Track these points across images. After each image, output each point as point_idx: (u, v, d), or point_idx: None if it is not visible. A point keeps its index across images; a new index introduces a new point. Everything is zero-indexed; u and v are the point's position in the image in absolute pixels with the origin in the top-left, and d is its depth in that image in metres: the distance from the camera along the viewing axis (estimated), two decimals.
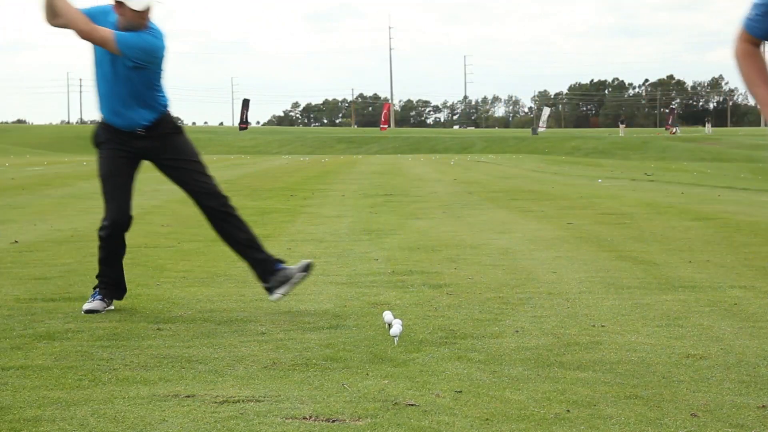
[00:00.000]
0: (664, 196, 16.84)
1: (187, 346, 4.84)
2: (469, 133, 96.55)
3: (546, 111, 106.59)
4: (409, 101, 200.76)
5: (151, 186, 20.51)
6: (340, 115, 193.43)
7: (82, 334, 5.09)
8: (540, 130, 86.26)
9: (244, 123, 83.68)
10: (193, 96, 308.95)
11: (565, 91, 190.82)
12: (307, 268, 5.98)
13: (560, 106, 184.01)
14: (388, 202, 15.58)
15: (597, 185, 21.13)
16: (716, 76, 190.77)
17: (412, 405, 3.75)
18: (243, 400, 3.83)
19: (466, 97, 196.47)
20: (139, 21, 5.69)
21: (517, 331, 5.21)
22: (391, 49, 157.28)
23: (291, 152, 66.03)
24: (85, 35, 5.62)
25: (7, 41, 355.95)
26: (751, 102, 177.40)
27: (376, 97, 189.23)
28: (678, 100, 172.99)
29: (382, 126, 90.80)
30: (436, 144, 69.48)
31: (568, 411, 3.70)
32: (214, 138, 78.59)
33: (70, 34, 5.59)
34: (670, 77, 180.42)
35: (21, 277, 7.15)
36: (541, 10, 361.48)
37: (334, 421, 3.56)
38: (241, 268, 7.71)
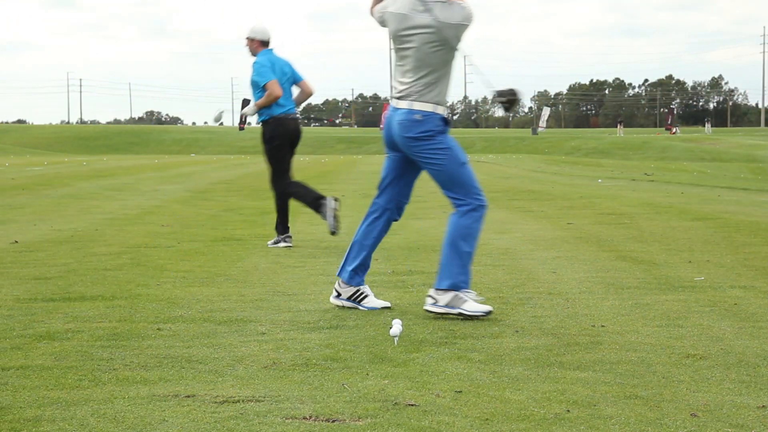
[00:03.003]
0: (664, 196, 16.84)
1: (187, 346, 4.84)
2: (469, 132, 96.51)
3: (546, 111, 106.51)
4: None
5: (151, 186, 20.54)
6: (340, 115, 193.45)
7: (82, 334, 5.09)
8: (540, 130, 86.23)
9: (243, 123, 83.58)
10: (193, 96, 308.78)
11: (565, 91, 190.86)
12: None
13: (560, 106, 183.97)
14: None
15: (597, 185, 21.13)
16: (716, 76, 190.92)
17: (412, 405, 3.75)
18: (243, 400, 3.83)
19: (466, 97, 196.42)
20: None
21: (517, 331, 5.22)
22: (391, 49, 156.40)
23: None
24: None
25: (7, 41, 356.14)
26: (751, 102, 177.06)
27: (376, 97, 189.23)
28: (678, 100, 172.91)
29: (381, 126, 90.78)
30: None
31: (568, 411, 3.70)
32: (214, 138, 78.61)
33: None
34: (670, 77, 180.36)
35: (21, 277, 7.15)
36: (541, 10, 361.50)
37: (334, 421, 3.56)
38: (241, 268, 7.72)
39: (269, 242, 9.31)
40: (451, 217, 5.76)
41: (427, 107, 5.63)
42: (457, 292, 5.58)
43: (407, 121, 5.64)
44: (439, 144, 5.64)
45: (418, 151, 5.67)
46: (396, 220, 6.11)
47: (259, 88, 9.28)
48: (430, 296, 5.67)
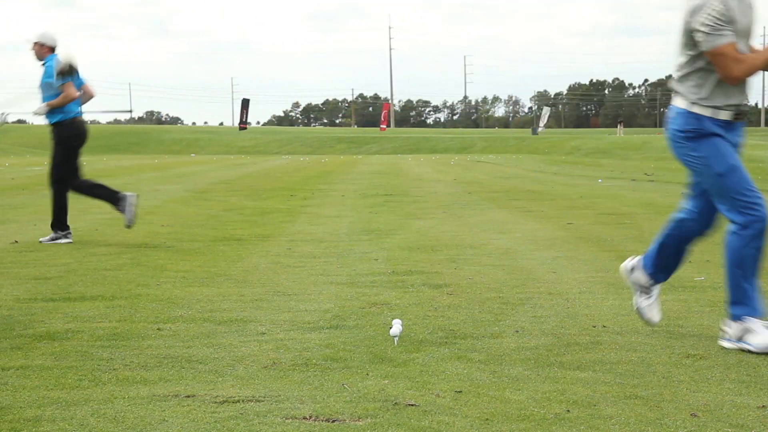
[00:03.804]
0: (664, 196, 16.84)
1: (187, 346, 4.84)
2: (469, 132, 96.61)
3: (546, 111, 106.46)
4: (409, 101, 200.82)
5: (151, 186, 20.53)
6: (340, 115, 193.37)
7: (82, 334, 5.09)
8: (540, 130, 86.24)
9: (243, 123, 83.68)
10: (193, 96, 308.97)
11: (565, 91, 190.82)
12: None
13: (560, 106, 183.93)
14: (388, 202, 15.59)
15: (597, 185, 21.13)
16: None
17: (412, 405, 3.76)
18: (243, 400, 3.83)
19: (466, 97, 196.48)
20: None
21: (517, 331, 5.22)
22: (391, 49, 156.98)
23: (291, 152, 66.07)
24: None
25: (7, 41, 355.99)
26: (751, 102, 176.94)
27: (376, 97, 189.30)
28: None
29: (381, 126, 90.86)
30: (436, 144, 69.51)
31: (568, 411, 3.70)
32: (214, 138, 78.61)
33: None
34: (670, 77, 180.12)
35: (21, 277, 7.15)
36: (541, 10, 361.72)
37: (334, 421, 3.56)
38: (241, 268, 7.72)
39: (43, 238, 9.65)
40: (726, 234, 4.96)
41: (681, 104, 5.17)
42: (743, 324, 4.85)
43: (669, 115, 5.25)
44: (690, 150, 5.06)
45: (673, 151, 5.19)
46: (700, 234, 5.24)
47: (52, 89, 9.70)
48: (722, 329, 5.06)
